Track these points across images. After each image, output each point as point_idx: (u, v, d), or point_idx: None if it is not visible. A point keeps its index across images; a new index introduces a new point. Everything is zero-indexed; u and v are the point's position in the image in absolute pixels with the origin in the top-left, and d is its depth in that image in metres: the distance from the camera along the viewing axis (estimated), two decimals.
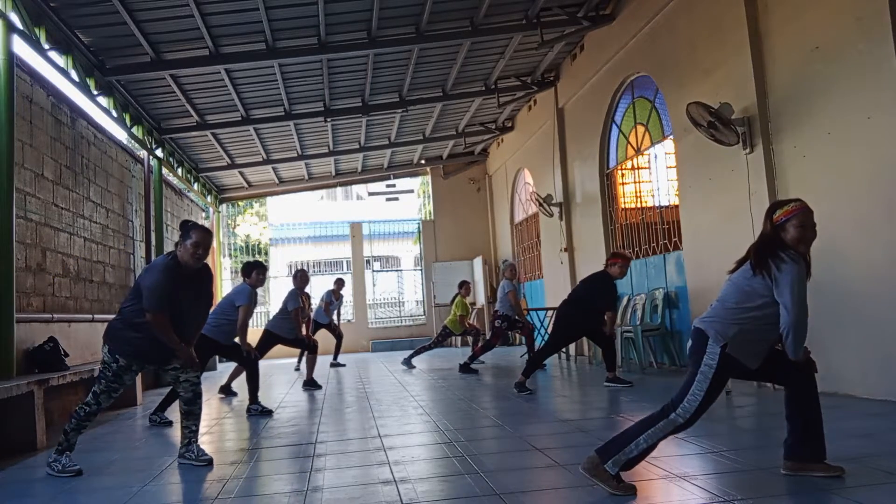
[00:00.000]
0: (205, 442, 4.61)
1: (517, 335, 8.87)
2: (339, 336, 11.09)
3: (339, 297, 11.07)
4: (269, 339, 7.56)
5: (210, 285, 4.22)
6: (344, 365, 10.91)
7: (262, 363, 6.97)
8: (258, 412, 5.95)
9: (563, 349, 9.67)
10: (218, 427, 5.55)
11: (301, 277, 8.10)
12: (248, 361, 6.25)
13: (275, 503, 3.12)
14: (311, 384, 7.80)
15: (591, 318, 6.60)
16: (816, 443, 2.94)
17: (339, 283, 11.10)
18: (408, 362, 9.95)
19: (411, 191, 27.77)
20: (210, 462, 3.98)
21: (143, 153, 9.71)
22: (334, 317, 11.02)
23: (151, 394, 7.59)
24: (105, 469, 4.04)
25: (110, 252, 8.29)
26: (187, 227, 4.03)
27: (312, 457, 4.00)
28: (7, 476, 4.05)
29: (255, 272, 6.32)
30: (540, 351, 6.62)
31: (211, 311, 5.82)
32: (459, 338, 11.02)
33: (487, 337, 9.20)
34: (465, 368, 8.57)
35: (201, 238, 3.97)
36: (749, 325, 2.85)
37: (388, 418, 5.29)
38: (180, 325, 3.99)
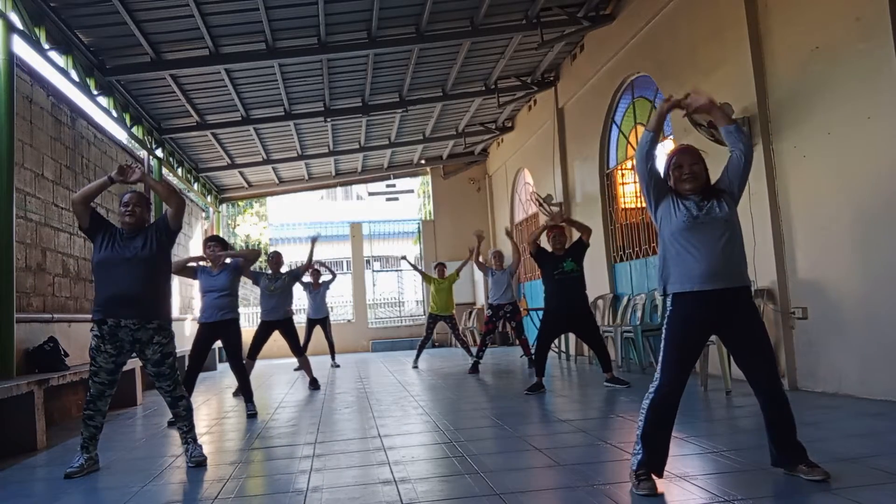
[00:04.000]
0: (205, 442, 4.60)
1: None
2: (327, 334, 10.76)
3: (319, 286, 10.58)
4: (264, 328, 7.50)
5: (154, 236, 3.98)
6: (338, 366, 10.75)
7: (262, 363, 6.95)
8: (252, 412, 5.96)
9: (563, 349, 9.73)
10: (218, 427, 5.55)
11: (274, 259, 7.87)
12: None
13: (275, 503, 3.13)
14: (314, 382, 7.80)
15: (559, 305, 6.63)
16: (788, 444, 2.92)
17: (315, 273, 10.57)
18: (415, 364, 9.90)
19: (411, 191, 27.76)
20: (199, 464, 3.94)
21: (143, 153, 9.72)
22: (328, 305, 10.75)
23: (152, 394, 7.58)
24: (105, 469, 4.04)
25: None
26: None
27: (312, 457, 4.00)
28: (7, 476, 4.05)
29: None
30: (536, 347, 6.67)
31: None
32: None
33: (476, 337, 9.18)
34: (473, 368, 8.57)
35: (128, 197, 4.01)
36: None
37: (388, 418, 5.29)
38: (124, 283, 3.87)
